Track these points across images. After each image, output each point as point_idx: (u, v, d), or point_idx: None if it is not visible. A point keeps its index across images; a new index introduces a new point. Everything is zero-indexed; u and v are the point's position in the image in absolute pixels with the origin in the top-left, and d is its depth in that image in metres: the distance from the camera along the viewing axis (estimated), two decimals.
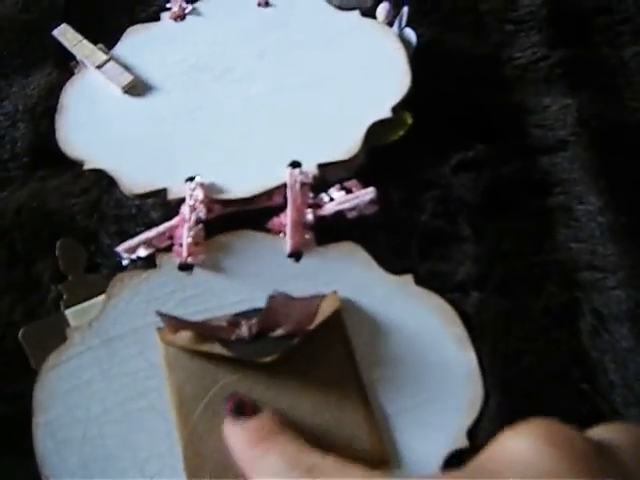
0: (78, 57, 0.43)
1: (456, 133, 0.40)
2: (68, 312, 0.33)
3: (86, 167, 0.38)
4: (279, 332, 0.30)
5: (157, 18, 0.46)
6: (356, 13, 0.44)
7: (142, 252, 0.35)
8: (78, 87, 0.42)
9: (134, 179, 0.37)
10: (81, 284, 0.34)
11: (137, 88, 0.42)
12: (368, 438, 0.29)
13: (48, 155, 0.40)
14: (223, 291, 0.32)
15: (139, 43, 0.44)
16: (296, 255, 0.34)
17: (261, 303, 0.30)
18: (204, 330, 0.30)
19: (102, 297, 0.33)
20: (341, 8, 0.44)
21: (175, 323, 0.30)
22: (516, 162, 0.39)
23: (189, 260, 0.33)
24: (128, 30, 0.45)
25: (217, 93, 0.41)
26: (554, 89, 0.43)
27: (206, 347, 0.29)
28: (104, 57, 0.42)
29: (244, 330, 0.30)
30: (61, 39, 0.44)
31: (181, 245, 0.34)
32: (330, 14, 0.44)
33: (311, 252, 0.34)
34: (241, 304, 0.32)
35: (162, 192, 0.37)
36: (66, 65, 0.44)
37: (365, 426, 0.29)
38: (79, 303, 0.33)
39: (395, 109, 0.39)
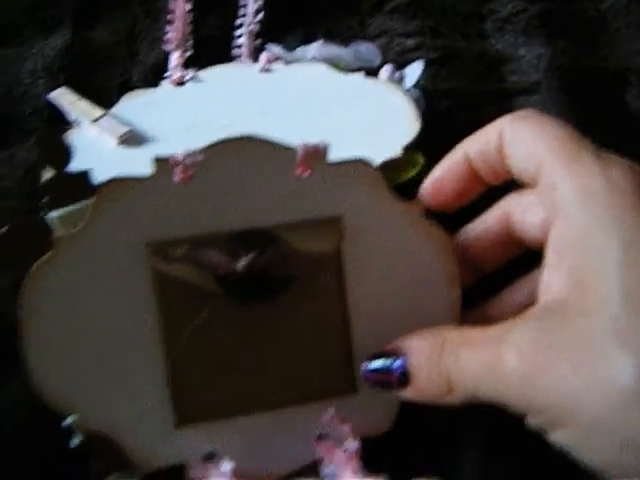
0: (74, 116, 0.42)
1: None
2: (53, 215, 0.30)
3: None
4: (276, 274, 0.29)
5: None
6: (360, 74, 0.43)
7: None
8: (73, 140, 0.40)
9: None
10: (64, 183, 0.31)
11: (133, 139, 0.40)
12: (340, 366, 0.30)
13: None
14: (222, 206, 0.29)
15: (136, 105, 0.43)
16: None
17: (262, 222, 0.29)
18: (198, 258, 0.28)
19: (90, 201, 0.28)
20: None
21: (168, 241, 0.28)
22: (493, 106, 0.42)
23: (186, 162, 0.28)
24: (125, 95, 0.43)
25: None
26: (532, 41, 0.46)
27: (200, 281, 0.28)
28: (100, 112, 0.41)
29: (242, 265, 0.28)
30: (58, 100, 0.43)
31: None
32: (334, 76, 0.43)
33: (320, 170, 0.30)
34: (240, 221, 0.29)
35: None
36: (82, 26, 0.48)
37: (339, 356, 0.30)
38: (64, 206, 0.30)
39: (406, 149, 0.37)
